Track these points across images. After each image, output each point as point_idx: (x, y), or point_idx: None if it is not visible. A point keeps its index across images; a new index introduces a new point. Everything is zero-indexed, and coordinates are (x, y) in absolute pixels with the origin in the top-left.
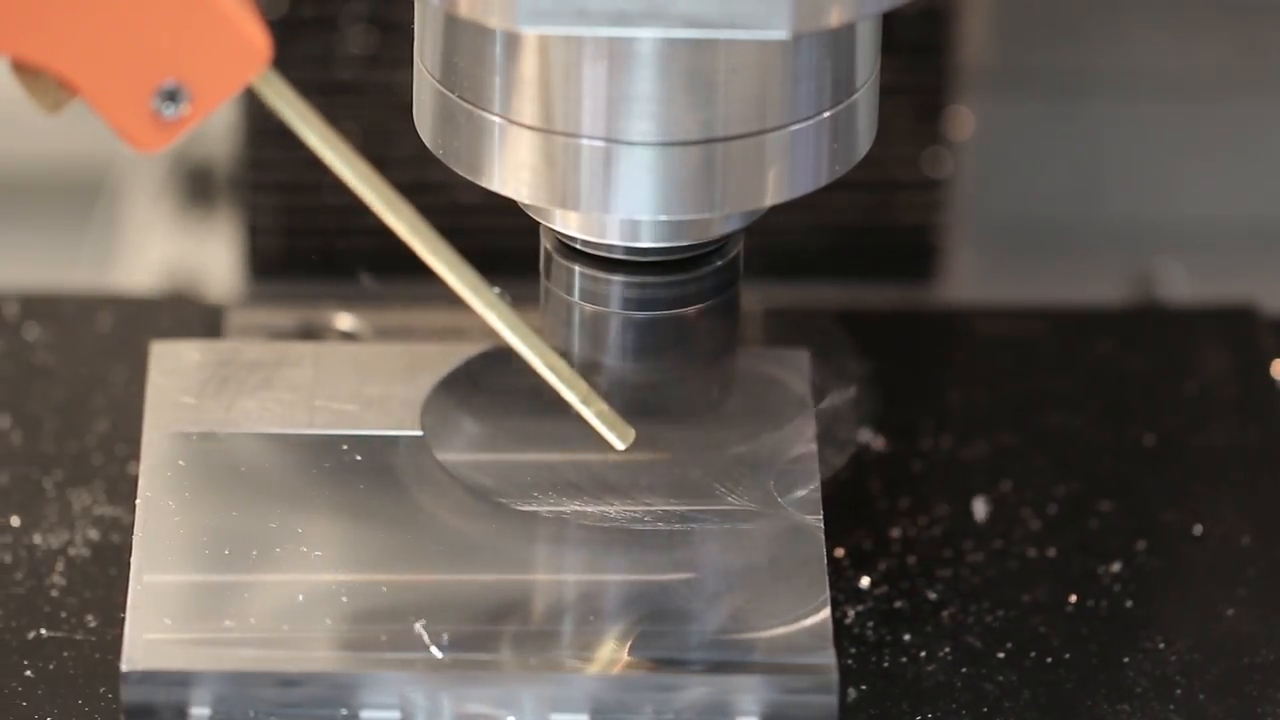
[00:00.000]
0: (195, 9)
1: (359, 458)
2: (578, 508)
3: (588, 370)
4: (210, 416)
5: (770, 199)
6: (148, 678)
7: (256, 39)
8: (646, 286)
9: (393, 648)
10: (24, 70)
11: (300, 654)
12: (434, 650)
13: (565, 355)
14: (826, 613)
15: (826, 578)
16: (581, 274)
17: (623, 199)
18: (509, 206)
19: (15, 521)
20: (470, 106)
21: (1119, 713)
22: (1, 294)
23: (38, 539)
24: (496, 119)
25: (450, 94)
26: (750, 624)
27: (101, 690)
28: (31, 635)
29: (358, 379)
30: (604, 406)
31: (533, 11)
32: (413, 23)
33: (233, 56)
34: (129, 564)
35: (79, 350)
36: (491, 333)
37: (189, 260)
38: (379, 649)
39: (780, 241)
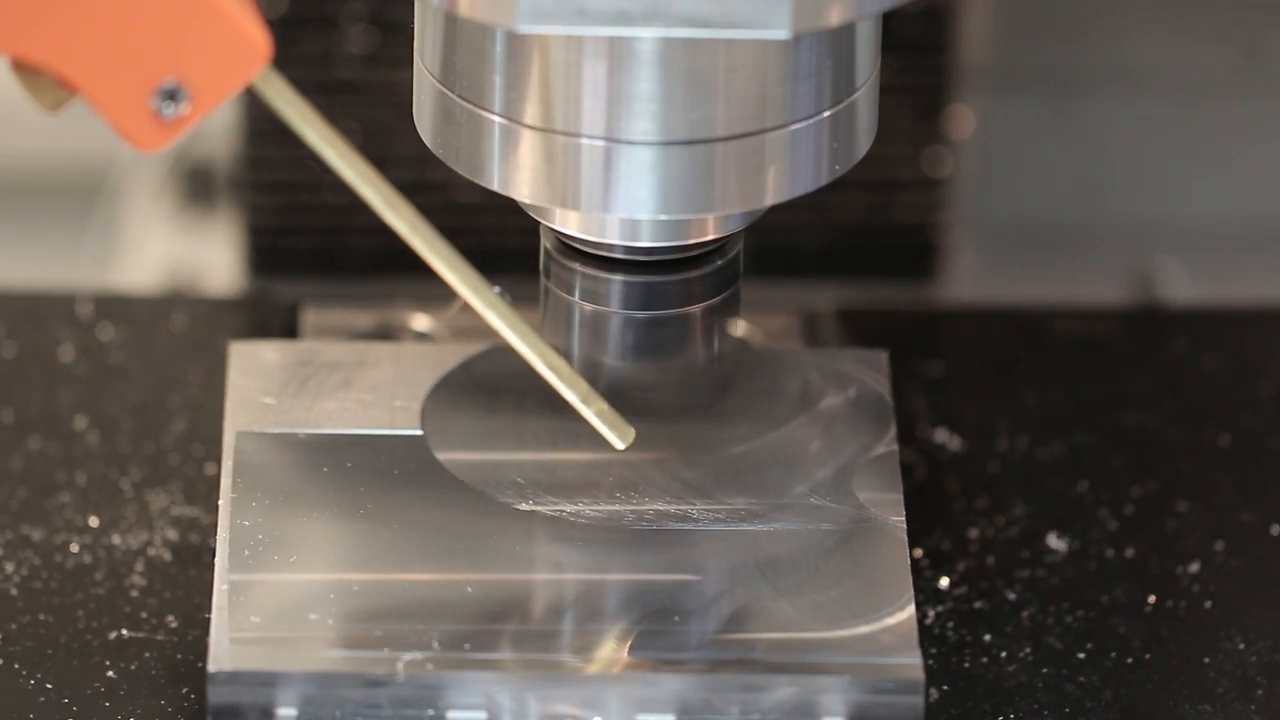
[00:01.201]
0: (195, 8)
1: (452, 453)
2: (659, 508)
3: (588, 369)
4: (291, 417)
5: (770, 199)
6: (234, 678)
7: (257, 38)
8: (646, 286)
9: (479, 648)
10: (24, 69)
11: (387, 654)
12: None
13: (565, 354)
14: (912, 614)
15: (911, 579)
16: (581, 273)
17: (622, 198)
18: (509, 206)
19: (94, 522)
20: (470, 106)
21: (1200, 713)
22: (76, 295)
23: (116, 539)
24: (496, 118)
25: (450, 93)
26: (836, 625)
27: (184, 690)
28: (113, 635)
29: (437, 379)
30: (604, 405)
31: (532, 11)
32: (413, 22)
33: (233, 56)
34: (208, 564)
35: (154, 350)
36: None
37: (189, 259)
38: (465, 649)
39: (780, 241)
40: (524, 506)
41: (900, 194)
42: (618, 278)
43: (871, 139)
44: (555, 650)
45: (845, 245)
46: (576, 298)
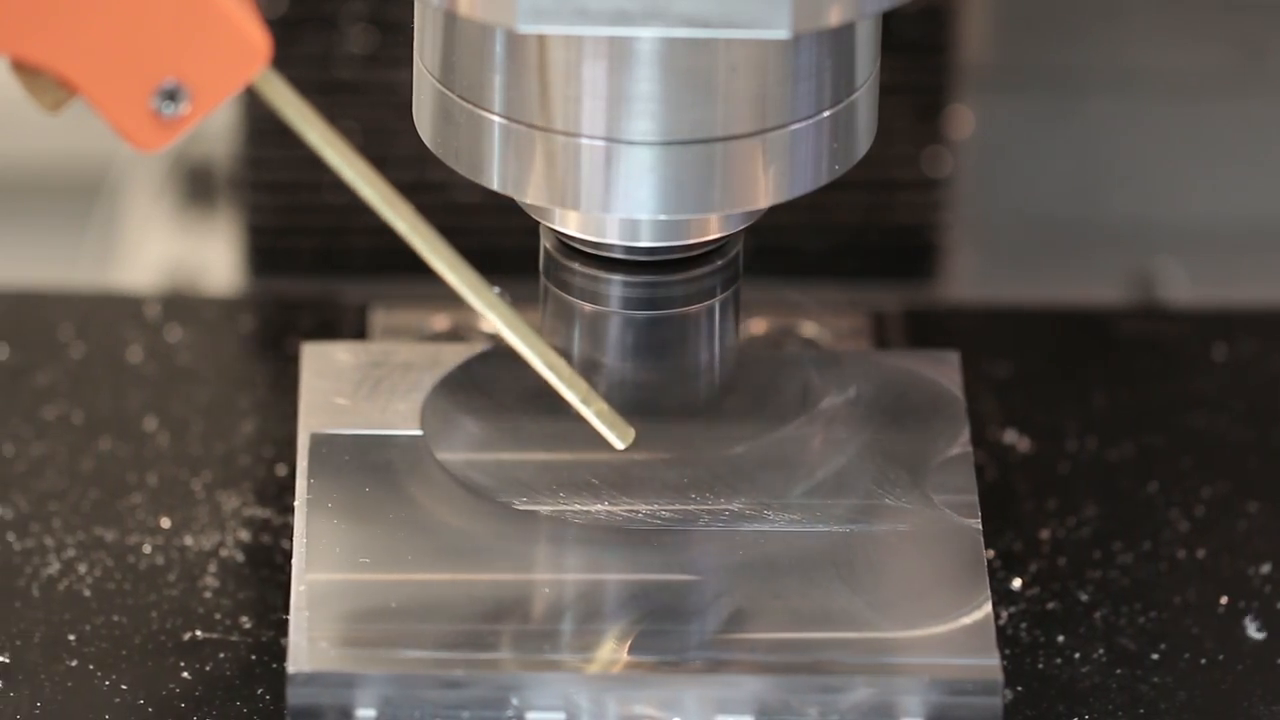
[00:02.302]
0: (195, 8)
1: (517, 454)
2: (732, 509)
3: (587, 369)
4: (364, 418)
5: (770, 199)
6: (314, 679)
7: (256, 38)
8: (646, 286)
9: (559, 649)
10: (24, 70)
11: (466, 655)
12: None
13: (565, 355)
14: (989, 614)
15: (987, 580)
16: (581, 273)
17: (622, 198)
18: (509, 206)
19: (165, 523)
20: (470, 106)
21: (1274, 714)
22: (143, 296)
23: (189, 541)
24: (496, 118)
25: (450, 93)
26: (913, 626)
27: (259, 691)
28: (187, 637)
29: (496, 384)
30: (604, 405)
31: (532, 11)
32: (412, 22)
33: (233, 56)
34: (280, 566)
35: (222, 351)
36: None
37: (189, 259)
38: (545, 650)
39: (780, 241)
40: (600, 508)
41: (900, 194)
42: (618, 278)
43: (871, 139)
44: (638, 650)
45: (845, 245)
46: (576, 298)
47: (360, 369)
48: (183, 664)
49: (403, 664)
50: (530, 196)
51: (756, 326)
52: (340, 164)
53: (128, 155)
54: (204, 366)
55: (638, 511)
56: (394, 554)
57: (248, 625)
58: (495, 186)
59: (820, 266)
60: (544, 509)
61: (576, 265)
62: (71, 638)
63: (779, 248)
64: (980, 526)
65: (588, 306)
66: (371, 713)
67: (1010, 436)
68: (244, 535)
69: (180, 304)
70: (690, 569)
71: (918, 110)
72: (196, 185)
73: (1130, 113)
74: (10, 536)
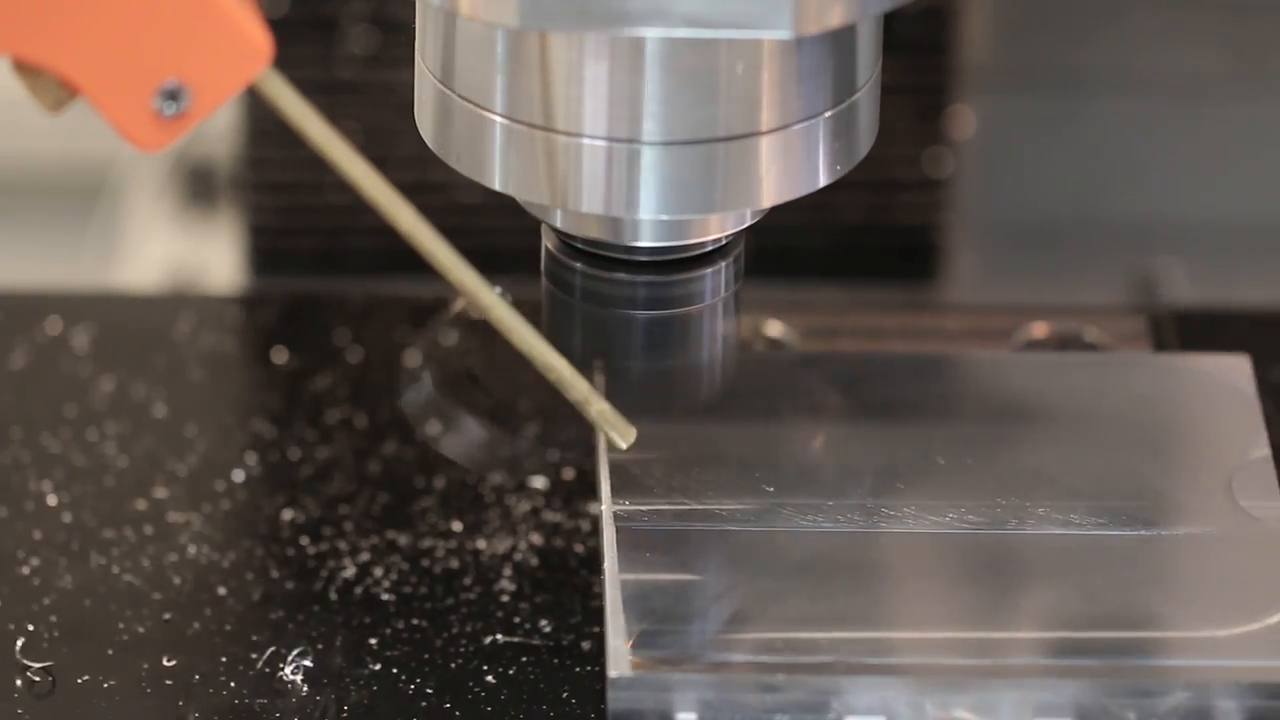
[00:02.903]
0: (196, 9)
1: (818, 455)
2: (1040, 513)
3: (589, 370)
4: (664, 421)
5: (771, 199)
6: (635, 683)
7: (258, 39)
8: (648, 286)
9: (875, 653)
10: (26, 70)
11: (786, 659)
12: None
13: (566, 354)
14: None
15: None
16: (582, 273)
17: (623, 198)
18: (510, 206)
19: (457, 527)
20: (472, 106)
21: None
22: (419, 297)
23: (481, 544)
24: (498, 118)
25: (451, 93)
26: (1230, 629)
27: (564, 695)
28: (487, 640)
29: (792, 385)
30: (605, 405)
31: (534, 11)
32: (413, 22)
33: (234, 56)
34: (574, 569)
35: (502, 353)
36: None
37: (190, 259)
38: (863, 654)
39: (780, 241)
40: (907, 511)
41: (901, 194)
42: (620, 277)
43: (873, 139)
44: (950, 655)
45: (846, 245)
46: (577, 298)
47: (658, 376)
48: (485, 668)
49: (723, 668)
50: (532, 196)
51: (1039, 330)
52: (341, 164)
53: (129, 156)
54: (489, 369)
55: (946, 516)
56: (705, 556)
57: (547, 629)
58: (497, 186)
59: (821, 266)
60: (855, 513)
61: (578, 265)
62: (373, 641)
63: (779, 248)
64: None
65: (589, 306)
66: (692, 716)
67: None
68: (537, 539)
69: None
70: (1000, 573)
71: (919, 111)
72: (197, 185)
73: (1131, 113)
74: (304, 540)
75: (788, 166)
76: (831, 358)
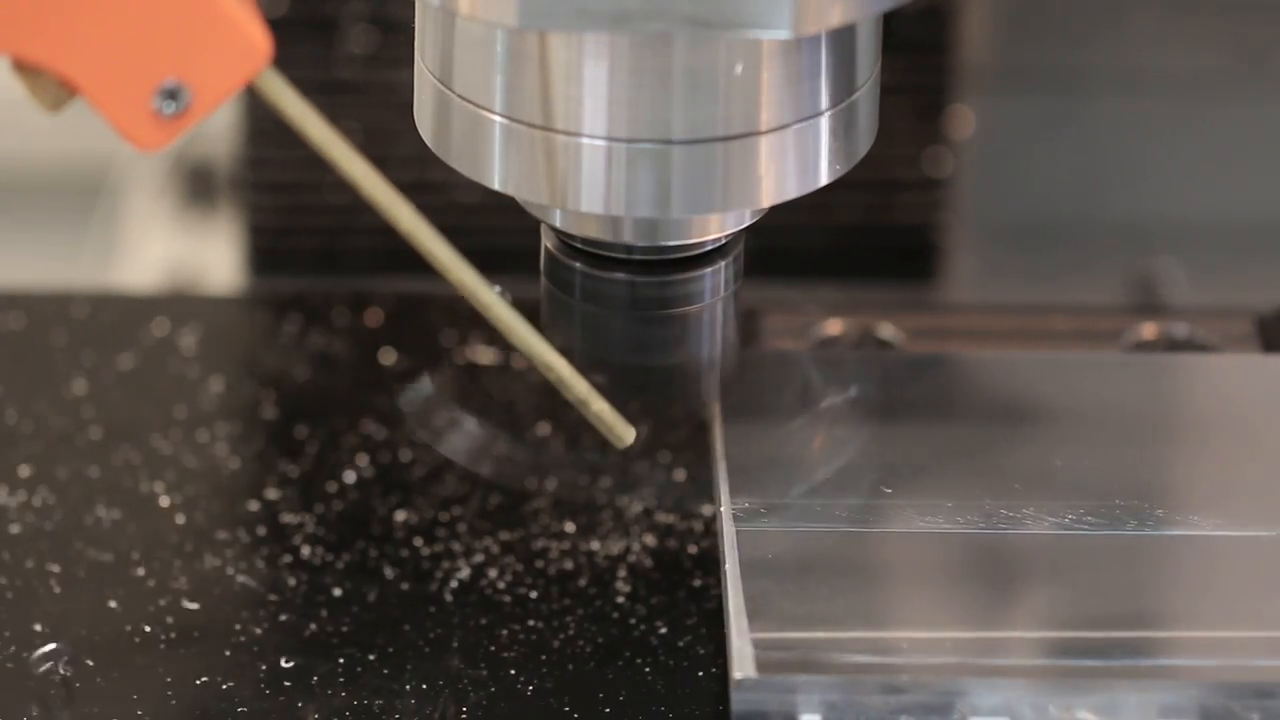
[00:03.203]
0: (196, 8)
1: (933, 455)
2: (1159, 514)
3: (589, 369)
4: (779, 420)
5: (770, 199)
6: (759, 685)
7: (257, 38)
8: (647, 286)
9: (999, 653)
10: (25, 69)
11: (911, 660)
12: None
13: (566, 354)
14: None
15: None
16: (582, 273)
17: (623, 198)
18: (509, 206)
19: (569, 528)
20: (471, 105)
21: None
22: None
23: (595, 546)
24: (497, 118)
25: (451, 93)
26: None
27: (685, 693)
28: (602, 640)
29: (902, 388)
30: (604, 405)
31: (533, 11)
32: (413, 22)
33: (233, 56)
34: (689, 570)
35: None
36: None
37: (189, 259)
38: (986, 654)
39: (780, 241)
40: (1026, 513)
41: (901, 194)
42: (619, 277)
43: (872, 139)
44: (1074, 655)
45: (845, 245)
46: (577, 298)
47: (771, 378)
48: (606, 669)
49: (847, 669)
50: (531, 196)
51: (1148, 331)
52: (341, 163)
53: (129, 155)
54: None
55: (1065, 518)
56: (825, 556)
57: (663, 631)
58: (496, 186)
59: (820, 266)
60: (974, 514)
61: (578, 265)
62: (489, 644)
63: (779, 248)
64: None
65: (588, 306)
66: (815, 717)
67: None
68: (650, 540)
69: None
70: (1122, 574)
71: (918, 110)
72: (197, 185)
73: (1130, 113)
74: (417, 542)
75: (788, 166)
76: (927, 359)
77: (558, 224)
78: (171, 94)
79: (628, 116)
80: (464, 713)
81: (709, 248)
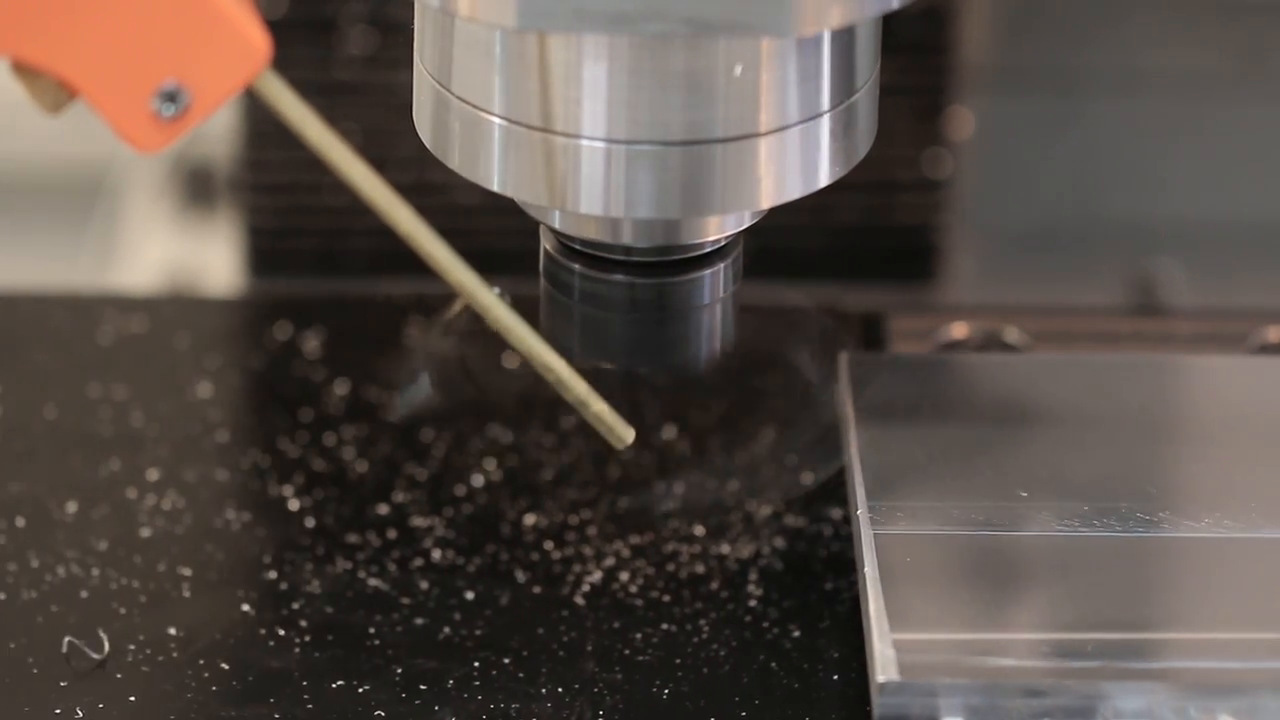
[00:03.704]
0: (195, 10)
1: (1067, 458)
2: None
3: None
4: (912, 423)
5: (771, 200)
6: (903, 689)
7: (256, 39)
8: (646, 287)
9: (1140, 656)
10: (25, 71)
11: (1053, 664)
12: None
13: (565, 355)
14: None
15: None
16: (581, 274)
17: (621, 199)
18: (509, 207)
19: (699, 531)
20: (470, 107)
21: None
22: None
23: (725, 549)
24: (496, 119)
25: (450, 94)
26: None
27: (820, 696)
28: (735, 644)
29: (1031, 391)
30: (604, 406)
31: (531, 11)
32: (412, 23)
33: (233, 57)
34: (819, 574)
35: (734, 359)
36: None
37: (189, 260)
38: (1127, 657)
39: (780, 242)
40: (1162, 516)
41: (900, 195)
42: (618, 278)
43: (872, 140)
44: (1215, 658)
45: (845, 246)
46: (576, 299)
47: (900, 378)
48: (742, 673)
49: (989, 672)
50: (530, 197)
51: (1274, 334)
52: (340, 165)
53: (128, 157)
54: (717, 375)
55: (1201, 521)
56: (968, 558)
57: (796, 634)
58: (495, 187)
59: (820, 266)
60: (1111, 518)
61: (577, 266)
62: (624, 648)
63: (779, 248)
64: None
65: (587, 307)
66: None
67: None
68: (780, 543)
69: None
70: (1259, 576)
71: (918, 111)
72: (196, 186)
73: (1130, 113)
74: (548, 545)
75: (787, 167)
76: (1055, 362)
77: (557, 225)
78: (171, 96)
79: (627, 118)
80: (600, 716)
81: (709, 249)
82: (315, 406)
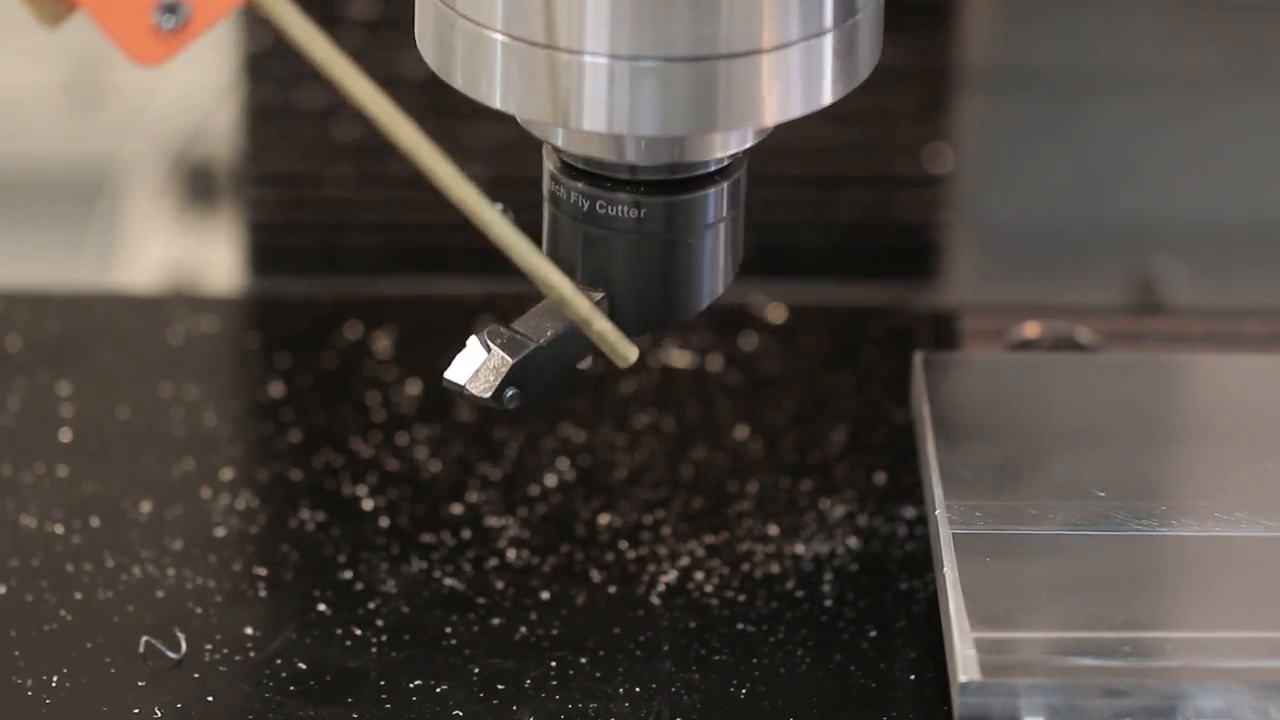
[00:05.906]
0: None
1: (1144, 458)
2: None
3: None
4: (987, 425)
5: (774, 117)
6: (984, 689)
7: None
8: (650, 206)
9: (1220, 656)
10: None
11: (1134, 664)
12: None
13: (569, 274)
14: None
15: None
16: (584, 193)
17: (625, 116)
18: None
19: (773, 530)
20: (473, 24)
21: None
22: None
23: (800, 549)
24: (499, 36)
25: (453, 12)
26: None
27: (897, 696)
28: (811, 644)
29: (1105, 391)
30: (607, 324)
31: None
32: None
33: None
34: (893, 574)
35: (801, 360)
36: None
37: (190, 258)
38: (1207, 657)
39: (780, 240)
40: (1240, 516)
41: (901, 192)
42: (621, 197)
43: (875, 60)
44: None
45: (845, 244)
46: (580, 219)
47: (973, 377)
48: (818, 672)
49: (1070, 672)
50: (533, 114)
51: None
52: (343, 81)
53: (128, 155)
54: (787, 375)
55: (1274, 523)
56: (1046, 559)
57: (873, 634)
58: (498, 105)
59: (820, 265)
60: (1189, 517)
61: (580, 185)
62: (700, 647)
63: (779, 247)
64: None
65: (591, 227)
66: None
67: None
68: (854, 543)
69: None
70: None
71: (919, 108)
72: (197, 184)
73: (1130, 113)
74: (622, 545)
75: (790, 85)
76: (1129, 361)
77: (559, 143)
78: (171, 8)
79: (630, 34)
80: (678, 717)
81: (712, 168)
82: (387, 406)
